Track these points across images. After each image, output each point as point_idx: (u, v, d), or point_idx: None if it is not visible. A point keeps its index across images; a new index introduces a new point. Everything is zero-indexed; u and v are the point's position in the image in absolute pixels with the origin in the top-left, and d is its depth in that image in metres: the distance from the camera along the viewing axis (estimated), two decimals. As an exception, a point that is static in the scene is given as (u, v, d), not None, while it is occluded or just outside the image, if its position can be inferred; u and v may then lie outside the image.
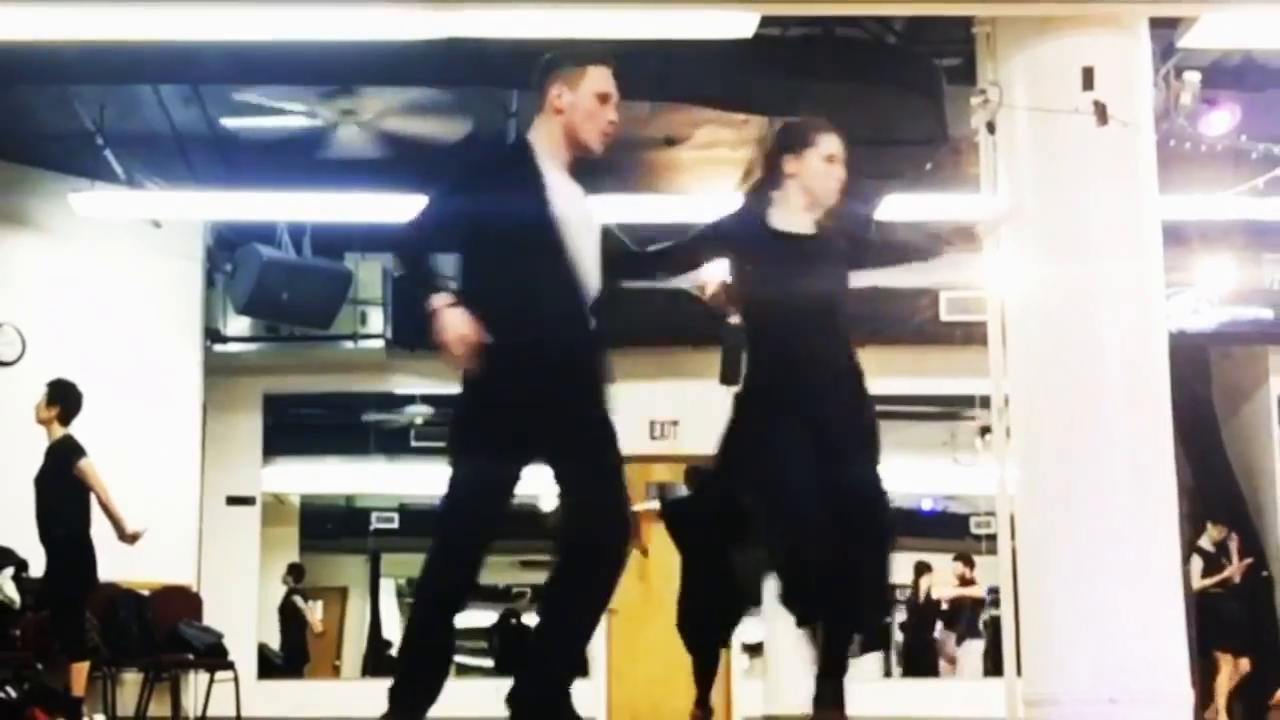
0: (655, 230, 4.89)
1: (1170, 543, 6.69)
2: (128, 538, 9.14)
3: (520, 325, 4.35)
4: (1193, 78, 8.91)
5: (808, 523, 4.98)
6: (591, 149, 4.60)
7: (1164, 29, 7.66)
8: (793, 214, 5.25)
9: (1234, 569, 12.72)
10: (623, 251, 5.17)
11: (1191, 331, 12.03)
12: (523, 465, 4.45)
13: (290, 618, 14.43)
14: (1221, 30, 7.55)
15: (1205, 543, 12.73)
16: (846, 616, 5.20)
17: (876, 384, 5.15)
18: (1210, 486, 13.18)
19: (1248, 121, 9.31)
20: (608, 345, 4.58)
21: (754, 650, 13.80)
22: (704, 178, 12.25)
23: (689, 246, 5.51)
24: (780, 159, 5.33)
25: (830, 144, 5.28)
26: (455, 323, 4.26)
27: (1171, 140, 8.59)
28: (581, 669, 5.09)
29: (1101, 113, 6.74)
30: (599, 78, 4.59)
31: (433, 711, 4.64)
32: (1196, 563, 12.53)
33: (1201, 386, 13.21)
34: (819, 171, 5.25)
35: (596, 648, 13.57)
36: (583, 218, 4.57)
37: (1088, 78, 6.82)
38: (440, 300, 4.31)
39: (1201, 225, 10.80)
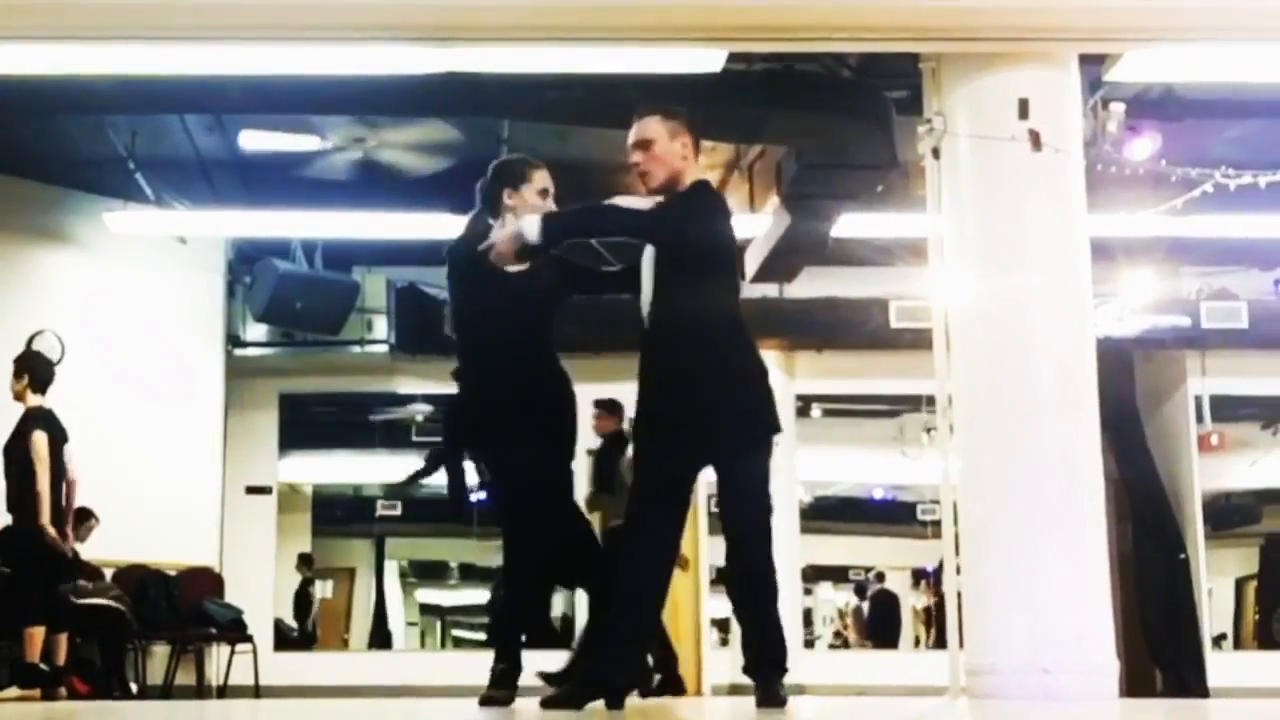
0: (635, 246, 4.84)
1: (1098, 528, 6.69)
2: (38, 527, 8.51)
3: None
4: (1118, 108, 8.94)
5: None
6: None
7: (1092, 64, 7.67)
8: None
9: None
10: None
11: (1117, 337, 12.05)
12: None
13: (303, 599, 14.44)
14: (1143, 66, 7.58)
15: None
16: None
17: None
18: (1134, 478, 13.19)
19: (1168, 147, 9.34)
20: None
21: (723, 625, 13.81)
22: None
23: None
24: (500, 193, 5.36)
25: (543, 179, 5.38)
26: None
27: (1099, 165, 8.61)
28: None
29: (1035, 140, 6.75)
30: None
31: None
32: None
33: (1126, 388, 13.21)
34: (535, 205, 5.23)
35: (580, 623, 13.55)
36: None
37: (1023, 108, 6.83)
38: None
39: (1126, 241, 10.83)
